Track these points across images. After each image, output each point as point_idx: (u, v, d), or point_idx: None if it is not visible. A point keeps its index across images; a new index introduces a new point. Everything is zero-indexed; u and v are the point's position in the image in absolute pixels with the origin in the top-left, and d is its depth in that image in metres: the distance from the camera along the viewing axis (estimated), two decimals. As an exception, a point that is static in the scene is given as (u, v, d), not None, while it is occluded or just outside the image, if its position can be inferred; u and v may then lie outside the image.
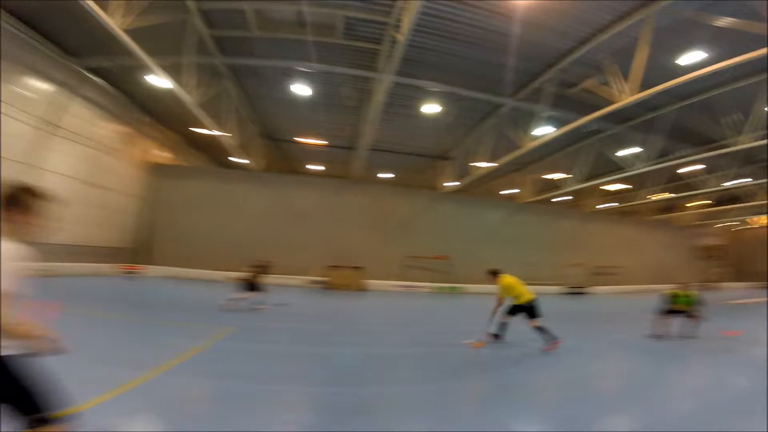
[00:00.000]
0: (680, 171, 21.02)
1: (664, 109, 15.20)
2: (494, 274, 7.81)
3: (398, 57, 10.88)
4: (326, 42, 12.93)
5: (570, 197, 30.15)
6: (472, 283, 22.46)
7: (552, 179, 24.71)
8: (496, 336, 7.56)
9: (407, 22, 9.71)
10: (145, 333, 6.91)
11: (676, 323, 8.72)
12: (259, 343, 6.68)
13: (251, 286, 10.86)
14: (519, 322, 7.32)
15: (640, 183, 23.38)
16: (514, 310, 7.45)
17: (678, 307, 8.78)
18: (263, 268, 11.35)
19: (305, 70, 14.53)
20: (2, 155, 12.92)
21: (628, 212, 33.15)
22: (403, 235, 24.26)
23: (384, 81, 12.90)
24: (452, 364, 6.04)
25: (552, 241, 26.90)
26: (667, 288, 9.26)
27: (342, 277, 20.94)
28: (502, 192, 30.28)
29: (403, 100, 16.55)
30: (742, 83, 12.63)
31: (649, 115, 15.97)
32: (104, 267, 18.14)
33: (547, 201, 29.14)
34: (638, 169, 18.21)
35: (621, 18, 10.30)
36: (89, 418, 2.68)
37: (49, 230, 2.04)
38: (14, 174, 13.63)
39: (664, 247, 29.89)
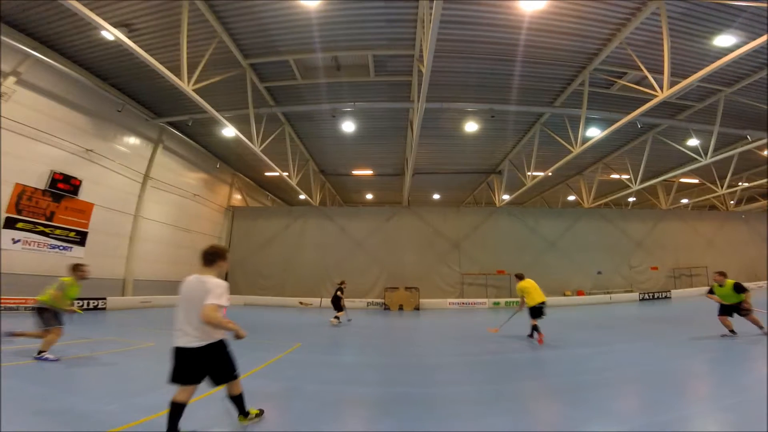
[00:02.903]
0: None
1: (720, 94, 14.26)
2: (519, 277, 9.15)
3: (426, 86, 11.70)
4: (362, 81, 14.40)
5: (635, 198, 28.34)
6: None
7: (615, 179, 23.53)
8: (530, 335, 8.73)
9: (427, 52, 10.59)
10: (234, 349, 8.22)
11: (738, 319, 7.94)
12: (319, 355, 7.81)
13: (336, 304, 13.16)
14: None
15: (716, 173, 21.37)
16: (533, 312, 8.57)
17: (724, 302, 8.03)
18: (340, 289, 13.46)
19: (348, 109, 16.06)
20: (116, 209, 15.97)
21: (709, 206, 30.07)
22: (458, 254, 24.40)
23: (419, 109, 13.74)
24: (497, 369, 6.38)
25: (623, 245, 25.16)
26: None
27: (398, 298, 21.69)
28: (564, 199, 29.30)
29: (443, 123, 17.42)
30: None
31: (706, 102, 15.02)
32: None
33: (614, 203, 27.56)
34: (707, 159, 16.81)
35: (635, 12, 10.31)
36: (211, 403, 3.96)
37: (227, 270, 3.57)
38: (124, 224, 16.60)
39: (759, 240, 26.26)
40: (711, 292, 8.26)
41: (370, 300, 22.49)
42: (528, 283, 8.85)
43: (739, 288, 7.81)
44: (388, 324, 14.47)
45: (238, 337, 3.21)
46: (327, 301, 21.30)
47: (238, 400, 3.42)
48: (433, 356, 7.73)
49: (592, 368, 6.01)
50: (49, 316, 6.10)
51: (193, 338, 3.08)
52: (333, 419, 3.90)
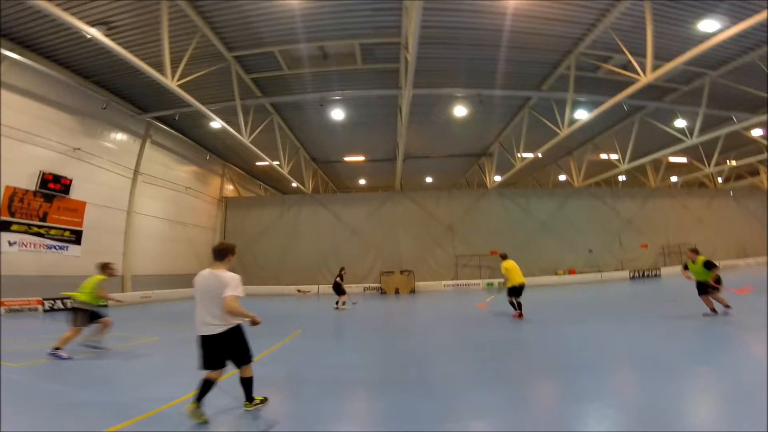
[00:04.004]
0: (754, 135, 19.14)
1: (706, 77, 14.35)
2: (503, 257, 9.75)
3: (412, 73, 11.67)
4: (349, 69, 14.29)
5: (625, 177, 28.61)
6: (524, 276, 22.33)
7: (604, 160, 23.71)
8: (519, 314, 9.39)
9: (412, 39, 10.34)
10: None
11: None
12: (318, 341, 8.13)
13: (338, 290, 13.71)
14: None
15: (703, 153, 21.64)
16: (510, 292, 9.41)
17: (696, 278, 8.14)
18: (340, 275, 14.07)
19: (336, 97, 15.99)
20: (108, 206, 16.05)
21: (699, 184, 30.48)
22: (452, 236, 24.73)
23: (406, 95, 13.54)
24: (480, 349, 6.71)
25: (614, 223, 25.56)
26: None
27: (394, 282, 22.15)
28: (555, 179, 29.52)
29: (433, 108, 17.40)
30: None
31: (693, 85, 15.11)
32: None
33: (605, 183, 27.82)
34: (693, 139, 16.99)
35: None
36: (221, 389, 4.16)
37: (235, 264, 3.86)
38: (118, 220, 16.66)
39: (748, 216, 26.79)
40: (686, 268, 8.42)
41: (366, 285, 22.88)
42: (511, 264, 9.51)
43: (708, 265, 7.92)
44: (385, 308, 14.82)
45: (254, 323, 3.59)
46: (325, 288, 21.86)
47: (247, 384, 3.69)
48: (427, 339, 8.05)
49: (573, 348, 6.33)
50: (83, 315, 6.54)
51: (213, 326, 3.45)
52: (333, 404, 4.10)
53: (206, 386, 3.49)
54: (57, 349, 6.23)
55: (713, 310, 8.01)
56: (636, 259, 24.92)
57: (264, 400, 3.84)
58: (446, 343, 7.41)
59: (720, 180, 29.79)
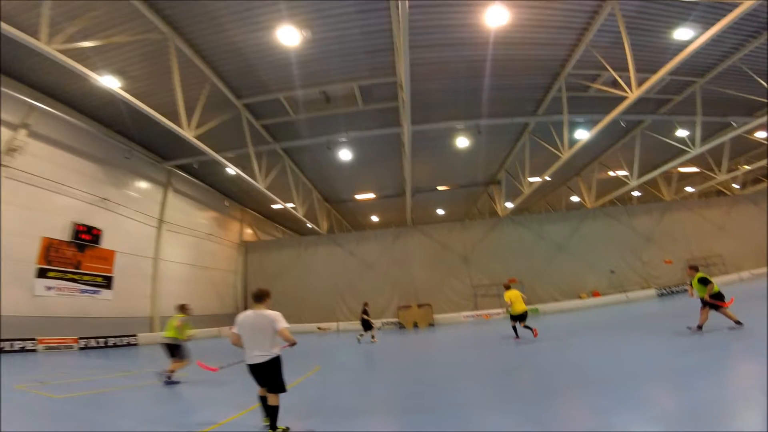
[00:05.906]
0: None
1: (695, 85, 14.75)
2: (506, 287, 10.70)
3: (408, 110, 12.17)
4: (352, 111, 15.27)
5: (639, 193, 28.27)
6: (547, 302, 21.98)
7: (613, 177, 23.71)
8: (516, 337, 10.48)
9: (404, 77, 10.79)
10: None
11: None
12: (336, 375, 8.34)
13: (365, 324, 14.29)
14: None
15: (712, 160, 21.52)
16: (513, 318, 10.21)
17: (699, 294, 8.12)
18: (365, 311, 14.58)
19: (342, 139, 16.92)
20: (136, 253, 16.97)
21: (717, 192, 29.74)
22: (468, 267, 24.65)
23: (407, 132, 13.87)
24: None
25: (633, 241, 24.95)
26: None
27: (412, 316, 21.98)
28: (567, 201, 29.45)
29: (435, 141, 18.18)
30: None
31: (684, 94, 15.48)
32: (218, 330, 20.82)
33: (618, 200, 27.54)
34: (697, 148, 17.06)
35: (594, 15, 11.05)
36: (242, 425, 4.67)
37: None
38: (146, 266, 17.52)
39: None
40: (691, 285, 8.48)
41: (385, 320, 22.75)
42: (514, 294, 10.35)
43: (702, 281, 8.05)
44: (404, 343, 14.54)
45: (292, 344, 4.31)
46: (344, 325, 21.97)
47: (273, 412, 4.15)
48: (446, 369, 8.09)
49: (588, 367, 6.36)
50: (182, 348, 7.59)
51: (260, 357, 4.19)
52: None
53: (263, 400, 4.31)
54: (169, 377, 7.19)
55: (699, 327, 7.89)
56: (662, 276, 24.08)
57: (286, 430, 4.20)
58: (463, 374, 7.25)
59: (736, 186, 29.07)
